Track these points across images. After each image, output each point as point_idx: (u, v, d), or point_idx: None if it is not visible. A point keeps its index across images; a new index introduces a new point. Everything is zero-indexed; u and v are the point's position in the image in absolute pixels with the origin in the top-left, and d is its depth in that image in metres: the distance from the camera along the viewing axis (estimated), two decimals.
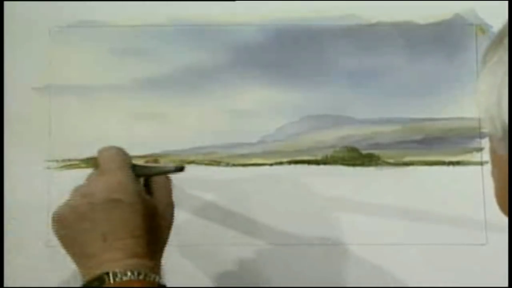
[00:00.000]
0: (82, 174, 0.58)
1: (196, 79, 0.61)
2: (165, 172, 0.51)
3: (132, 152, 0.59)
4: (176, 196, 0.50)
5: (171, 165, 0.52)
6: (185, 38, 0.61)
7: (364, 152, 0.59)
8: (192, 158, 0.59)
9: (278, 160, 0.59)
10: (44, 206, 0.59)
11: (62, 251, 0.58)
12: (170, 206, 0.49)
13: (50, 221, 0.58)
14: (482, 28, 0.60)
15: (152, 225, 0.46)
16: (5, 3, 0.61)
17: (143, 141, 0.60)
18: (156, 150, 0.60)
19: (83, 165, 0.59)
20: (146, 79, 0.61)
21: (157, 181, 0.49)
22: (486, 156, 0.59)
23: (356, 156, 0.59)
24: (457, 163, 0.59)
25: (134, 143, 0.59)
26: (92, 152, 0.59)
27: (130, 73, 0.61)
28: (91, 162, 0.54)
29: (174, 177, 0.52)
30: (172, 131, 0.60)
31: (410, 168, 0.59)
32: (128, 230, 0.44)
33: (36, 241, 0.59)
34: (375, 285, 0.58)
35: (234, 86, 0.60)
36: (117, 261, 0.42)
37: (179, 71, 0.61)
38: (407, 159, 0.59)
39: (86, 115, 0.60)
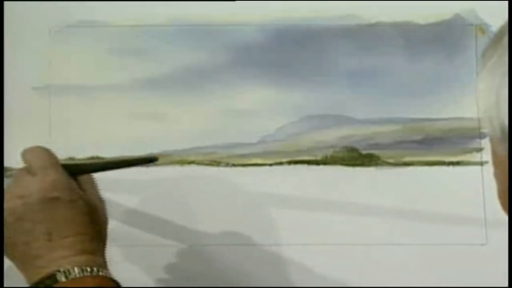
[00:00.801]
0: None
1: (196, 79, 0.60)
2: (134, 164, 0.51)
3: (132, 152, 0.59)
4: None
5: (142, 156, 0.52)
6: (185, 38, 0.61)
7: (364, 152, 0.59)
8: (192, 158, 0.59)
9: (278, 160, 0.59)
10: None
11: None
12: (102, 202, 0.49)
13: None
14: (482, 28, 0.60)
15: (93, 221, 0.45)
16: (5, 3, 0.61)
17: (143, 141, 0.60)
18: (156, 150, 0.60)
19: None
20: (146, 79, 0.61)
21: (84, 179, 0.49)
22: (486, 156, 0.59)
23: (356, 156, 0.59)
24: (457, 163, 0.59)
25: (134, 143, 0.59)
26: (92, 152, 0.59)
27: (130, 73, 0.61)
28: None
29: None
30: (172, 131, 0.60)
31: (410, 168, 0.59)
32: (72, 228, 0.44)
33: None
34: (375, 285, 0.58)
35: (234, 86, 0.60)
36: (66, 259, 0.42)
37: (179, 71, 0.61)
38: (407, 159, 0.59)
39: (86, 115, 0.60)
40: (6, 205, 0.45)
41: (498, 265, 0.57)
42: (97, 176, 0.50)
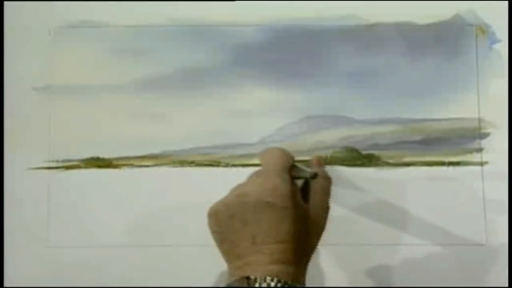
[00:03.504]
0: (82, 175, 0.59)
1: (196, 79, 0.60)
2: (304, 177, 0.50)
3: (132, 152, 0.59)
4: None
5: (309, 171, 0.50)
6: (185, 38, 0.61)
7: (364, 152, 0.59)
8: (192, 158, 0.59)
9: None
10: (44, 207, 0.59)
11: (62, 252, 0.59)
12: (325, 210, 0.48)
13: (50, 221, 0.59)
14: (482, 29, 0.60)
15: (303, 230, 0.45)
16: (5, 3, 0.61)
17: (143, 141, 0.60)
18: (156, 150, 0.60)
19: (83, 166, 0.59)
20: (146, 79, 0.61)
21: (316, 184, 0.49)
22: (486, 156, 0.59)
23: (356, 157, 0.59)
24: (457, 163, 0.59)
25: (134, 143, 0.60)
26: (92, 152, 0.59)
27: (130, 73, 0.61)
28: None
29: None
30: (172, 131, 0.60)
31: (410, 168, 0.59)
32: (277, 235, 0.43)
33: (36, 241, 0.59)
34: (375, 285, 0.58)
35: (234, 86, 0.60)
36: (262, 265, 0.42)
37: (179, 71, 0.61)
38: (407, 159, 0.59)
39: (86, 115, 0.60)
40: (225, 200, 0.46)
41: (498, 265, 0.57)
42: None
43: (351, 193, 0.59)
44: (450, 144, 0.59)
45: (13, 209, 0.59)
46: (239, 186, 0.47)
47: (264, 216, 0.44)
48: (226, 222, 0.45)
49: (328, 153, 0.60)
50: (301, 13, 0.61)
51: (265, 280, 0.41)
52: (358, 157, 0.59)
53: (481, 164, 0.59)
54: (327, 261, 0.58)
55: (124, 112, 0.60)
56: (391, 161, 0.59)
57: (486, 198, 0.58)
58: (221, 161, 0.60)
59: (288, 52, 0.60)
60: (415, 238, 0.59)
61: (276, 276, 0.41)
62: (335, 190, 0.55)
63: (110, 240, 0.59)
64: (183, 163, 0.59)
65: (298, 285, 0.42)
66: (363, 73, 0.60)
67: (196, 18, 0.61)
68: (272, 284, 0.41)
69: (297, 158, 0.59)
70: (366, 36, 0.60)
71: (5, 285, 0.57)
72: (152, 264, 0.58)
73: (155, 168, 0.59)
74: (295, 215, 0.44)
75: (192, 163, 0.59)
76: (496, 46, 0.60)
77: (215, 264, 0.58)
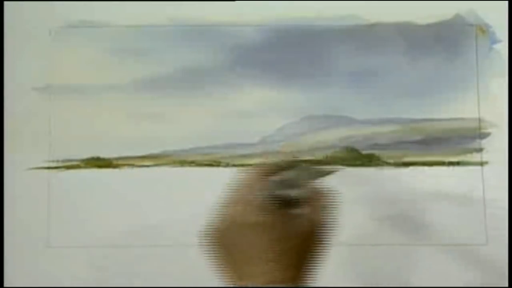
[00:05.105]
0: (82, 175, 0.59)
1: (196, 79, 0.61)
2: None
3: (132, 152, 0.59)
4: None
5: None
6: (185, 38, 0.61)
7: (364, 152, 0.59)
8: (192, 158, 0.59)
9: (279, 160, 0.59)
10: (44, 207, 0.59)
11: (62, 252, 0.59)
12: (321, 224, 0.44)
13: (50, 221, 0.59)
14: (482, 28, 0.60)
15: (292, 246, 0.41)
16: (5, 3, 0.61)
17: (143, 141, 0.60)
18: (156, 150, 0.60)
19: (83, 166, 0.59)
20: (146, 79, 0.61)
21: (308, 198, 0.45)
22: (486, 156, 0.59)
23: (356, 157, 0.59)
24: (457, 163, 0.59)
25: (134, 143, 0.60)
26: (92, 152, 0.59)
27: (130, 73, 0.61)
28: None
29: None
30: (172, 131, 0.60)
31: (410, 168, 0.59)
32: (260, 255, 0.41)
33: (36, 241, 0.59)
34: (375, 285, 0.58)
35: (234, 86, 0.60)
36: None
37: (179, 71, 0.61)
38: (407, 159, 0.59)
39: (86, 115, 0.60)
40: (215, 225, 0.43)
41: (498, 265, 0.57)
42: None
43: (351, 193, 0.59)
44: (450, 144, 0.59)
45: (13, 209, 0.59)
46: (223, 207, 0.44)
47: (243, 238, 0.41)
48: (219, 249, 0.42)
49: (329, 153, 0.60)
50: (301, 13, 0.61)
51: None
52: (358, 157, 0.59)
53: (481, 164, 0.59)
54: (327, 261, 0.58)
55: (124, 112, 0.60)
56: (391, 161, 0.59)
57: (486, 198, 0.58)
58: (221, 161, 0.60)
59: (288, 52, 0.60)
60: (415, 238, 0.59)
61: None
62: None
63: (110, 240, 0.59)
64: (183, 163, 0.59)
65: None
66: (363, 73, 0.60)
67: (196, 18, 0.61)
68: None
69: (298, 158, 0.59)
70: (367, 36, 0.60)
71: (5, 285, 0.57)
72: (153, 264, 0.58)
73: (155, 168, 0.59)
74: (275, 232, 0.41)
75: (192, 163, 0.59)
76: (496, 46, 0.60)
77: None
